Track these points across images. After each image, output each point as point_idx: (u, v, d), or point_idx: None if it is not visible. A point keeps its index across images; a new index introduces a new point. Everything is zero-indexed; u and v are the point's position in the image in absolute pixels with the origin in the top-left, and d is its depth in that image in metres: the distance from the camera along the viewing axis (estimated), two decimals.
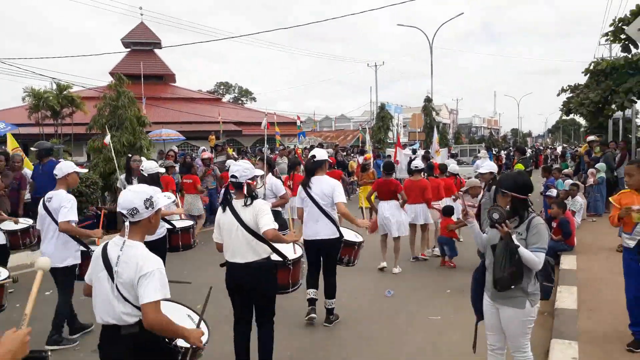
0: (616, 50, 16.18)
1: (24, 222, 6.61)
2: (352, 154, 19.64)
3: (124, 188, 7.44)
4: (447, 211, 8.41)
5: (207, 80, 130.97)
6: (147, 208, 2.69)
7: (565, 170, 14.78)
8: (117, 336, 2.64)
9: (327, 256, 5.52)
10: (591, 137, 16.29)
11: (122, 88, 12.31)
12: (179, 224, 6.54)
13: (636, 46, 13.61)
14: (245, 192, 4.00)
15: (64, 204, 4.84)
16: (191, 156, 15.96)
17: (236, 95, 66.98)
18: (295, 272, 4.61)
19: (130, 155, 9.40)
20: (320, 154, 5.71)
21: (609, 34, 13.78)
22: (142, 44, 37.99)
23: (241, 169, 4.05)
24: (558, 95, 16.31)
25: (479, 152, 26.57)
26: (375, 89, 43.28)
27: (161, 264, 2.65)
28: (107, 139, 10.19)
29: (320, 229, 5.40)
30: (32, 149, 8.77)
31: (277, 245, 4.14)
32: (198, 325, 2.92)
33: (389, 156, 15.55)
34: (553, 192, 9.51)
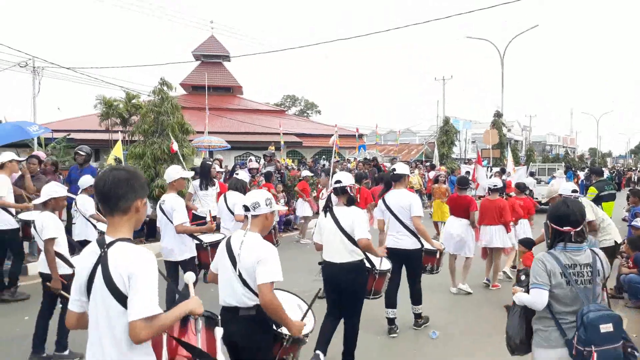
0: None
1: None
2: (412, 169, 18.70)
3: (195, 193, 7.18)
4: (527, 243, 6.71)
5: (274, 94, 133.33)
6: (266, 205, 3.18)
7: None
8: (235, 316, 3.05)
9: (410, 266, 5.73)
10: None
11: (166, 94, 12.03)
12: (208, 238, 6.17)
13: None
14: (347, 196, 4.53)
15: (175, 208, 5.41)
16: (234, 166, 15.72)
17: (302, 108, 67.58)
18: (379, 282, 4.92)
19: (210, 161, 9.26)
20: (401, 168, 5.87)
21: None
22: (211, 56, 39.06)
23: (347, 176, 4.67)
24: None
25: (557, 170, 24.77)
26: (442, 102, 42.04)
27: (276, 252, 3.06)
28: (175, 146, 10.10)
29: (401, 240, 5.60)
30: (78, 152, 8.66)
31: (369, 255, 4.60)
32: (303, 317, 3.36)
33: (468, 172, 14.66)
34: (639, 222, 7.67)
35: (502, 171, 18.45)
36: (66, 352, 4.88)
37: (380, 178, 10.66)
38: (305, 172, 13.44)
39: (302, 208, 11.74)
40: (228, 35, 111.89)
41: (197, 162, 12.75)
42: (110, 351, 2.14)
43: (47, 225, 4.73)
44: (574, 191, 5.67)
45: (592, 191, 9.80)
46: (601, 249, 5.52)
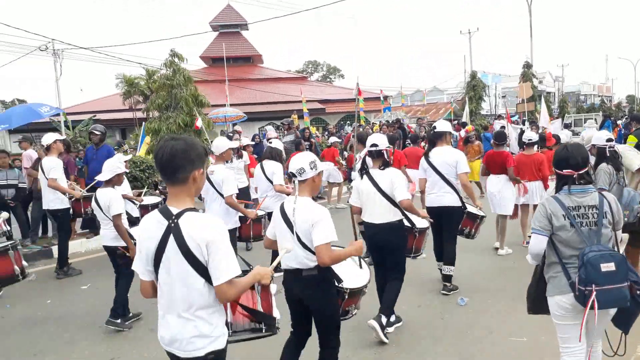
0: None
1: (86, 193, 7.08)
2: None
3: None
4: None
5: (296, 60, 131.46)
6: (311, 169, 3.23)
7: None
8: (299, 278, 3.22)
9: (448, 223, 5.63)
10: None
11: (178, 66, 11.64)
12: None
13: None
14: (383, 159, 4.61)
15: (225, 180, 5.54)
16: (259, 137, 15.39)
17: (325, 73, 66.55)
18: (419, 240, 5.04)
19: (231, 133, 8.88)
20: (442, 125, 5.84)
21: None
22: (229, 26, 38.45)
23: (381, 139, 4.67)
24: None
25: (595, 121, 23.54)
26: (469, 57, 40.46)
27: (329, 214, 3.17)
28: (199, 122, 9.82)
29: (442, 197, 5.56)
30: (93, 131, 8.44)
31: (408, 214, 4.69)
32: (360, 267, 3.87)
33: (503, 127, 14.37)
34: None
35: (532, 124, 17.70)
36: (119, 321, 5.09)
37: (414, 138, 10.73)
38: (333, 139, 13.11)
39: (333, 175, 11.61)
40: (245, 3, 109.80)
41: (214, 136, 12.44)
42: (185, 313, 2.28)
43: (114, 202, 4.98)
44: (609, 140, 4.89)
45: (632, 139, 8.92)
46: None
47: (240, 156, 8.56)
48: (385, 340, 4.42)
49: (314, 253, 3.13)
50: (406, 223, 4.80)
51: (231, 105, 28.81)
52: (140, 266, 2.38)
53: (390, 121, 17.36)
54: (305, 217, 3.13)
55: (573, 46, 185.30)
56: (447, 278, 5.66)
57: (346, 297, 3.50)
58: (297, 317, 3.45)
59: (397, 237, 4.62)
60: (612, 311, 2.96)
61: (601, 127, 23.35)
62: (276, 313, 2.73)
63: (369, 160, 4.69)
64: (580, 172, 2.97)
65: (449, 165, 5.54)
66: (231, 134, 11.53)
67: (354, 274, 3.77)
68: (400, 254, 4.69)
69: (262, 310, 2.64)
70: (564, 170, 3.00)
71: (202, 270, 2.23)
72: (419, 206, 5.18)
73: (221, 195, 5.58)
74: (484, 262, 6.93)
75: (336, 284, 3.41)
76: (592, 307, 2.75)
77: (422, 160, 5.83)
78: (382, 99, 28.54)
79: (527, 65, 32.74)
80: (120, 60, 32.99)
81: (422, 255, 5.27)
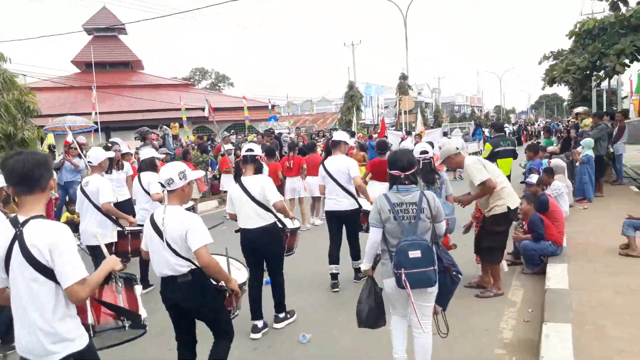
0: (603, 8, 14.59)
1: None
2: (317, 138, 18.27)
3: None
4: None
5: (184, 68, 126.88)
6: (180, 179, 3.29)
7: (550, 148, 12.94)
8: (174, 284, 3.26)
9: (350, 226, 6.04)
10: (579, 109, 14.78)
11: None
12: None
13: (626, 3, 12.23)
14: (256, 165, 4.81)
15: (101, 187, 5.45)
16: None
17: (213, 81, 65.00)
18: (292, 240, 5.28)
19: (109, 144, 8.79)
20: (338, 135, 6.37)
21: None
22: (105, 29, 35.98)
23: (255, 146, 4.95)
24: (540, 63, 14.59)
25: (468, 129, 25.36)
26: (353, 69, 41.79)
27: (200, 219, 3.27)
28: (70, 137, 8.86)
29: (340, 203, 5.92)
30: None
31: (279, 215, 4.89)
32: (228, 270, 3.61)
33: (386, 137, 15.03)
34: (533, 179, 7.00)
35: (408, 134, 18.68)
36: None
37: (311, 146, 11.15)
38: (228, 146, 12.71)
39: (227, 182, 11.32)
40: (123, 6, 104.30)
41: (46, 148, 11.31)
42: (35, 318, 2.32)
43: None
44: (423, 152, 5.15)
45: (488, 147, 9.52)
46: (493, 216, 5.18)
47: (120, 167, 8.11)
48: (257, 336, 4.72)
49: (185, 259, 3.23)
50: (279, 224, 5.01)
51: (107, 113, 26.99)
52: None
53: (267, 130, 17.18)
54: (175, 225, 3.19)
55: (449, 60, 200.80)
56: (357, 270, 6.15)
57: (227, 295, 3.54)
58: (179, 325, 3.51)
59: (272, 238, 4.82)
60: (432, 289, 3.35)
61: (473, 135, 25.31)
62: (142, 311, 2.82)
63: (242, 167, 4.89)
64: (406, 174, 3.43)
65: (342, 172, 5.90)
66: (110, 145, 10.51)
67: (232, 274, 3.79)
68: (278, 254, 4.94)
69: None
70: (393, 171, 3.44)
71: (49, 274, 2.29)
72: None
73: (96, 207, 5.47)
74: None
75: (215, 283, 3.44)
76: (404, 287, 3.21)
77: (321, 168, 6.16)
78: (269, 107, 28.46)
79: (403, 77, 34.42)
80: None
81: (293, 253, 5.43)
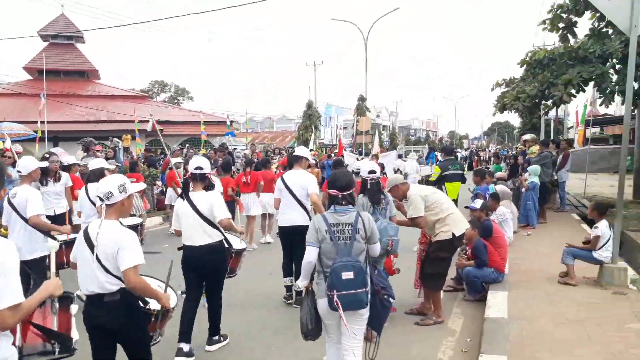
0: (554, 40, 15.22)
1: None
2: (273, 155, 18.17)
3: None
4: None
5: (143, 79, 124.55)
6: (120, 192, 3.17)
7: (498, 174, 13.17)
8: (101, 303, 3.09)
9: (300, 241, 5.58)
10: (526, 136, 15.19)
11: None
12: (125, 222, 5.72)
13: (574, 35, 12.76)
14: (206, 183, 4.69)
15: (30, 199, 5.13)
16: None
17: (172, 94, 64.01)
18: (235, 261, 5.18)
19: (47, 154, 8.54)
20: (300, 150, 6.34)
21: (547, 21, 12.76)
22: (62, 37, 34.90)
23: (204, 162, 4.75)
24: (492, 90, 15.01)
25: (422, 152, 25.82)
26: (314, 88, 42.11)
27: (136, 238, 3.15)
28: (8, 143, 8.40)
29: (295, 217, 5.88)
30: None
31: (227, 235, 4.85)
32: (165, 291, 3.56)
33: (342, 156, 15.12)
34: (477, 204, 6.79)
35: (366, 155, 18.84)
36: None
37: (265, 162, 11.04)
38: (177, 159, 12.24)
39: (175, 197, 10.79)
40: (82, 14, 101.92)
41: None
42: None
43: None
44: (371, 172, 5.10)
45: (437, 170, 9.53)
46: (438, 241, 5.13)
47: (57, 179, 7.65)
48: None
49: (116, 277, 3.07)
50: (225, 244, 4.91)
51: (58, 122, 25.96)
52: None
53: (221, 145, 16.94)
54: (109, 241, 3.06)
55: (407, 84, 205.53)
56: (299, 293, 5.86)
57: (153, 320, 3.44)
58: (99, 349, 3.25)
59: (217, 258, 4.69)
60: (363, 312, 3.32)
61: (427, 159, 25.77)
62: (74, 334, 2.71)
63: (192, 183, 4.74)
64: (344, 194, 3.40)
65: (302, 187, 5.89)
66: (47, 155, 9.99)
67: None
68: (220, 274, 4.80)
69: (57, 330, 2.59)
70: (331, 191, 3.43)
71: None
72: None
73: (24, 219, 5.13)
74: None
75: (143, 305, 3.32)
76: (336, 309, 3.18)
77: (279, 181, 6.17)
78: (228, 123, 28.15)
79: (362, 99, 34.92)
80: None
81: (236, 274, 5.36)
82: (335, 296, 3.16)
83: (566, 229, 9.77)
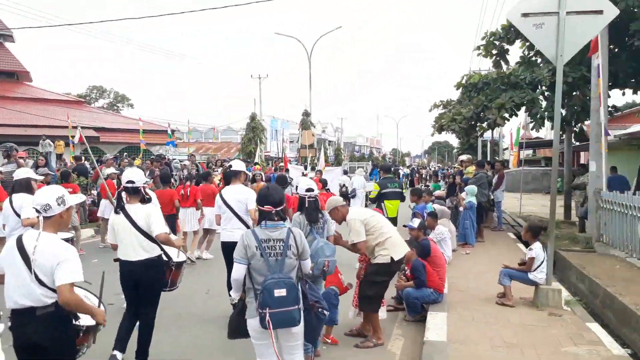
0: (489, 65, 15.91)
1: None
2: (215, 167, 17.76)
3: None
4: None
5: (81, 84, 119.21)
6: (59, 204, 3.06)
7: (437, 192, 13.45)
8: (32, 317, 2.94)
9: None
10: (463, 157, 15.68)
11: None
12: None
13: (507, 62, 13.35)
14: (140, 196, 4.53)
15: None
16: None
17: (111, 100, 61.68)
18: (176, 274, 5.09)
19: None
20: (237, 164, 6.35)
21: (481, 47, 13.31)
22: None
23: (138, 175, 4.64)
24: (430, 111, 15.46)
25: (365, 169, 26.13)
26: (260, 101, 41.75)
27: (76, 253, 3.06)
28: None
29: (235, 233, 5.72)
30: None
31: (165, 248, 4.71)
32: (99, 306, 3.45)
33: (288, 170, 14.91)
34: (415, 223, 6.62)
35: (308, 169, 18.87)
36: None
37: (206, 175, 10.77)
38: (110, 170, 11.64)
39: (108, 208, 10.21)
40: (15, 13, 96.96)
41: None
42: None
43: None
44: (309, 190, 5.06)
45: (376, 188, 9.39)
46: (375, 264, 5.02)
47: None
48: None
49: (53, 290, 2.95)
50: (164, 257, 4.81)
51: None
52: None
53: (158, 156, 16.39)
54: (49, 255, 2.93)
55: (352, 101, 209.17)
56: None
57: (81, 334, 3.32)
58: None
59: (154, 273, 4.57)
60: (296, 329, 3.28)
61: (370, 175, 26.08)
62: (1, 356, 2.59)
63: (125, 196, 4.61)
64: (277, 209, 3.36)
65: (241, 202, 5.85)
66: None
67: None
68: (157, 291, 4.66)
69: None
70: (265, 207, 3.36)
71: None
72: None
73: None
74: None
75: (73, 321, 3.17)
76: (266, 327, 3.11)
77: (217, 197, 6.08)
78: (169, 132, 27.38)
79: (306, 114, 35.02)
80: None
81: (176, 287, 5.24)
82: (267, 314, 3.09)
83: (503, 247, 10.07)
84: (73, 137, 19.98)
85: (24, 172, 6.43)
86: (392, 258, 4.96)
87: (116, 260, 4.60)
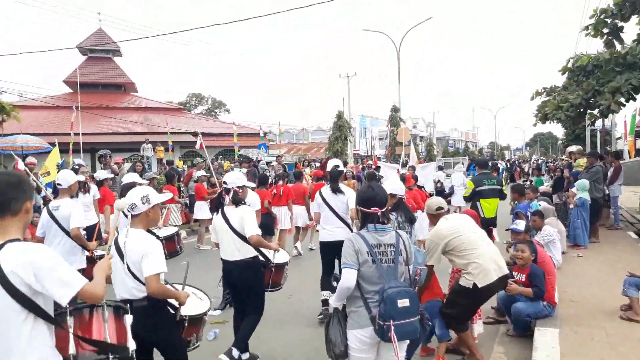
0: (597, 47, 14.30)
1: None
2: (303, 167, 17.82)
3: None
4: None
5: (181, 92, 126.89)
6: (143, 203, 3.32)
7: (542, 188, 12.23)
8: (131, 309, 3.02)
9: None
10: (572, 148, 14.19)
11: None
12: (162, 233, 6.34)
13: (621, 41, 11.83)
14: (231, 197, 4.61)
15: (73, 211, 5.26)
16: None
17: (209, 107, 64.91)
18: (277, 275, 5.01)
19: (77, 166, 9.02)
20: (336, 163, 6.35)
21: (590, 27, 11.89)
22: (99, 50, 35.90)
23: (232, 177, 4.76)
24: (532, 99, 14.11)
25: (463, 164, 24.92)
26: (348, 100, 41.64)
27: (160, 246, 3.30)
28: (20, 165, 9.01)
29: (335, 232, 5.73)
30: None
31: (263, 249, 4.76)
32: (200, 298, 3.88)
33: (378, 167, 14.71)
34: (520, 225, 5.88)
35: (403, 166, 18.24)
36: None
37: (298, 174, 10.92)
38: (200, 173, 12.03)
39: (201, 210, 10.93)
40: (119, 29, 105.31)
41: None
42: (7, 351, 2.11)
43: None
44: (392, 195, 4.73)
45: (470, 185, 8.46)
46: (458, 284, 4.37)
47: (87, 190, 7.89)
48: None
49: (144, 284, 3.19)
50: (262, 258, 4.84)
51: (93, 134, 26.46)
52: None
53: (247, 158, 16.75)
54: (135, 248, 3.21)
55: (446, 95, 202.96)
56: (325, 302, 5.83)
57: (186, 325, 3.50)
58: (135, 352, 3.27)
59: (251, 274, 4.61)
60: (405, 343, 3.10)
61: (468, 170, 24.82)
62: (131, 344, 2.70)
63: (226, 197, 4.69)
64: (382, 211, 3.10)
65: (341, 202, 5.79)
66: (77, 167, 10.02)
67: (193, 304, 3.70)
68: (256, 290, 4.70)
69: (109, 341, 2.61)
70: (371, 209, 3.09)
71: (28, 303, 2.11)
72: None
73: (65, 232, 5.26)
74: None
75: (172, 311, 3.43)
76: (389, 340, 2.85)
77: (317, 196, 6.06)
78: (261, 135, 28.14)
79: (395, 109, 34.17)
80: None
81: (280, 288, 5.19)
82: (392, 327, 2.81)
83: (622, 249, 8.83)
84: (174, 142, 21.10)
85: (130, 177, 6.84)
86: (475, 284, 4.21)
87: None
